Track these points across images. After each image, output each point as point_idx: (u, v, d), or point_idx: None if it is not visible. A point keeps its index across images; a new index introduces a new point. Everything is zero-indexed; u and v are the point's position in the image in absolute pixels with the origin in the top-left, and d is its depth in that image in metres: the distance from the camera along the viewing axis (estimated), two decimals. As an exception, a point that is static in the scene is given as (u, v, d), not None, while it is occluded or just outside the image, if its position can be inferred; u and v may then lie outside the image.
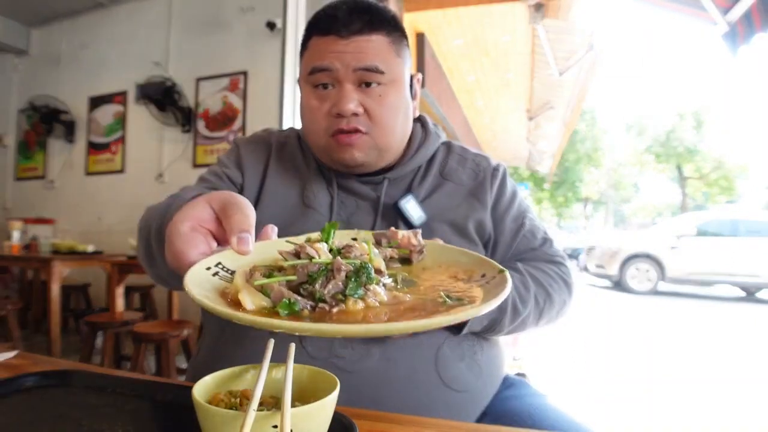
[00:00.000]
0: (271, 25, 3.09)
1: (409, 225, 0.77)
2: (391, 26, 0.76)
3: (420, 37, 4.90)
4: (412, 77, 0.83)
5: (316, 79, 0.74)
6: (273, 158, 0.85)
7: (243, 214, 0.45)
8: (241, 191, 0.83)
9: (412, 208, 0.78)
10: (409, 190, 0.81)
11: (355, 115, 0.73)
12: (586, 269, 9.81)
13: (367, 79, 0.73)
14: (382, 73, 0.73)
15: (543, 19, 4.37)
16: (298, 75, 0.80)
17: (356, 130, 0.74)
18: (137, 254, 0.74)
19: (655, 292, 8.51)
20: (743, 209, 13.82)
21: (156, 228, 0.62)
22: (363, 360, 0.68)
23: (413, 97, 0.83)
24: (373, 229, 0.78)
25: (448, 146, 0.91)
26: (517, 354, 3.19)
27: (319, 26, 0.75)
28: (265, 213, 0.79)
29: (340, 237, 0.73)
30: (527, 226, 0.85)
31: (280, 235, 0.54)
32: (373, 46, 0.73)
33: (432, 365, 0.70)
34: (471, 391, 0.71)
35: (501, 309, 0.72)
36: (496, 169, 0.87)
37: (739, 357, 4.26)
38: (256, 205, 0.81)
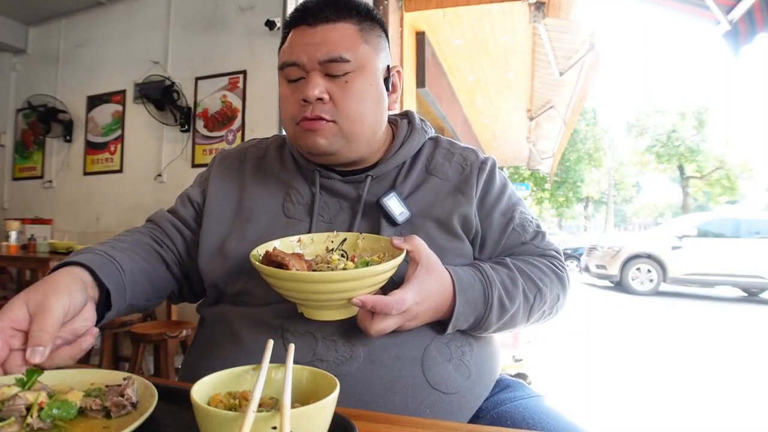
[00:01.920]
0: (270, 24, 3.07)
1: (392, 222, 0.76)
2: (362, 15, 0.77)
3: (420, 37, 4.89)
4: (391, 69, 0.82)
5: (288, 73, 0.76)
6: (249, 175, 0.85)
7: (42, 325, 0.51)
8: (199, 212, 0.85)
9: (394, 205, 0.76)
10: (392, 187, 0.80)
11: (321, 101, 0.73)
12: (587, 269, 9.78)
13: (332, 69, 0.73)
14: (347, 61, 0.73)
15: (544, 18, 4.36)
16: None
17: (320, 118, 0.74)
18: None
19: (657, 293, 8.50)
20: (745, 210, 13.82)
21: None
22: (347, 363, 0.66)
23: (393, 89, 0.82)
24: (351, 229, 0.77)
25: (435, 141, 0.89)
26: (518, 354, 3.17)
27: (293, 17, 0.77)
28: (246, 229, 0.78)
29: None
30: (517, 219, 0.82)
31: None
32: (339, 35, 0.74)
33: (418, 366, 0.68)
34: (460, 392, 0.69)
35: (487, 305, 0.70)
36: (483, 162, 0.85)
37: (740, 358, 4.25)
38: (233, 222, 0.80)
